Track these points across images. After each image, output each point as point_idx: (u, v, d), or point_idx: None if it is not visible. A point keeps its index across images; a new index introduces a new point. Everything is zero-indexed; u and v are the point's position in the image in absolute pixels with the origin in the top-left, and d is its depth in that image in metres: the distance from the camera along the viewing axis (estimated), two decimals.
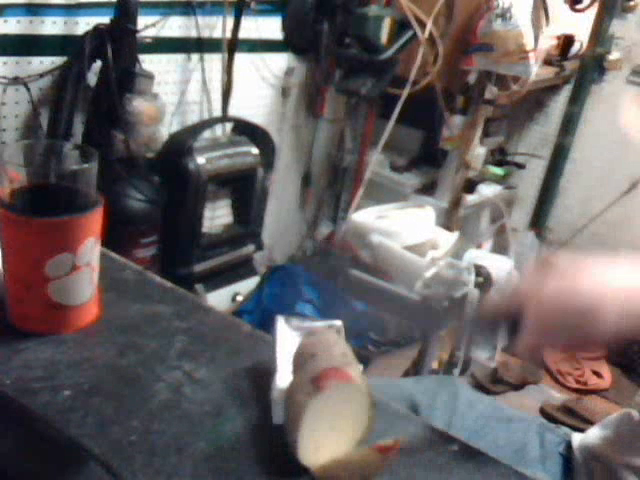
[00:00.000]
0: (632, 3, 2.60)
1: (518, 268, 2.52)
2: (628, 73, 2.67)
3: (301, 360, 0.60)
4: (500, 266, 2.29)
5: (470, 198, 2.41)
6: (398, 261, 2.03)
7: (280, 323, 0.68)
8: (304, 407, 0.54)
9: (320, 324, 0.69)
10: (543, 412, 2.21)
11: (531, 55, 2.08)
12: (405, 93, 2.04)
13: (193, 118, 2.09)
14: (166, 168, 1.85)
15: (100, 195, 0.66)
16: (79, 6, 1.63)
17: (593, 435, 0.87)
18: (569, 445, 0.89)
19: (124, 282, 0.80)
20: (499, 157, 2.69)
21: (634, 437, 0.80)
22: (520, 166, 2.79)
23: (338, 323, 0.70)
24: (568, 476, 0.87)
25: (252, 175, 2.09)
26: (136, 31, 1.61)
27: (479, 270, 2.11)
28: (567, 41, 2.52)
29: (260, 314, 1.99)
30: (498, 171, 2.61)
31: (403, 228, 2.08)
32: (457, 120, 2.28)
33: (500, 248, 2.67)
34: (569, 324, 0.62)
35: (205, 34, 1.98)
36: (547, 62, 2.40)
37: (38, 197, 0.64)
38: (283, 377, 0.62)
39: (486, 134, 2.38)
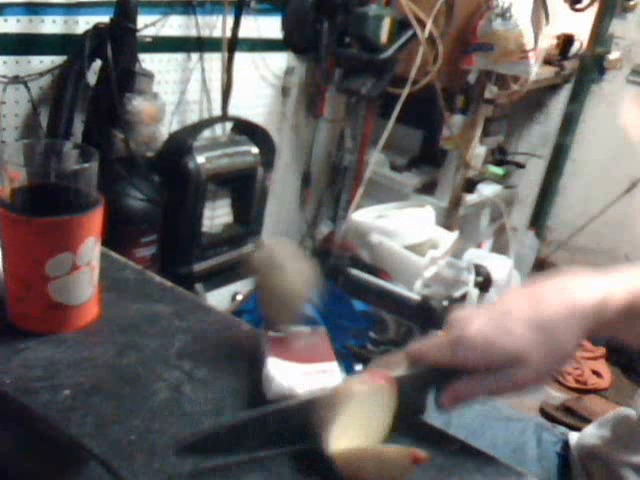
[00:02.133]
0: (632, 3, 2.60)
1: (518, 268, 2.52)
2: (628, 73, 2.68)
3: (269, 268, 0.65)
4: (500, 266, 2.30)
5: (470, 198, 2.41)
6: (398, 261, 2.03)
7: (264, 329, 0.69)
8: (352, 393, 0.56)
9: (305, 329, 0.70)
10: (543, 411, 2.21)
11: (531, 55, 2.08)
12: (405, 93, 2.04)
13: (193, 117, 2.09)
14: (166, 167, 1.85)
15: (100, 194, 0.66)
16: (79, 5, 1.63)
17: (590, 434, 0.87)
18: (566, 444, 0.90)
19: (124, 282, 0.80)
20: (499, 157, 2.69)
21: (632, 435, 0.80)
22: (520, 166, 2.79)
23: (322, 329, 0.71)
24: (565, 475, 0.87)
25: (252, 175, 2.09)
26: (136, 30, 1.60)
27: (479, 270, 2.11)
28: (567, 41, 2.52)
29: (260, 314, 1.99)
30: (498, 171, 2.62)
31: (403, 228, 2.08)
32: (457, 120, 2.28)
33: (500, 248, 2.68)
34: (494, 367, 0.59)
35: (205, 33, 1.98)
36: (547, 62, 2.40)
37: (38, 197, 0.64)
38: (275, 362, 0.64)
39: (486, 134, 2.38)
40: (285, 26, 1.89)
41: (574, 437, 0.90)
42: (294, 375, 0.63)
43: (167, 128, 1.93)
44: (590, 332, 0.61)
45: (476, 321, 0.60)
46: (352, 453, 0.55)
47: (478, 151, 2.40)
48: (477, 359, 0.59)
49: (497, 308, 0.62)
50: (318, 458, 0.55)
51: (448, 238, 2.13)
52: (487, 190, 2.51)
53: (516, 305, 0.62)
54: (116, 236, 0.84)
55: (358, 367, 1.93)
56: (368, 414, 0.57)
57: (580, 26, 2.60)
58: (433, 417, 0.83)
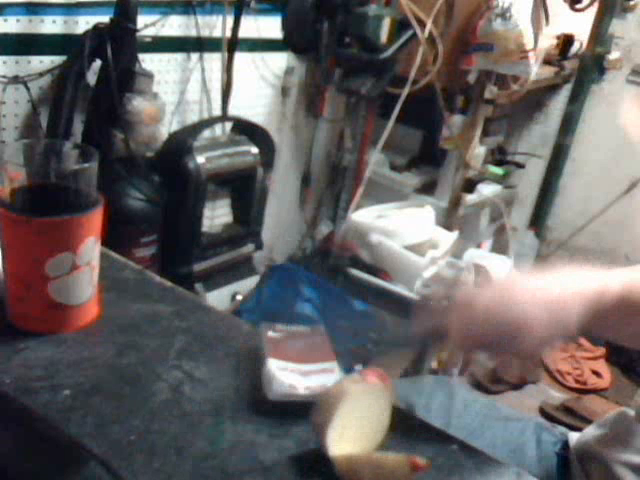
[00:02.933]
0: (632, 3, 2.60)
1: (518, 268, 2.52)
2: (628, 73, 2.67)
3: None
4: (500, 266, 2.30)
5: (470, 198, 2.40)
6: (398, 260, 2.03)
7: (264, 329, 0.69)
8: (346, 393, 0.56)
9: (304, 328, 0.70)
10: (542, 411, 2.21)
11: (531, 55, 2.08)
12: (405, 92, 2.04)
13: (193, 117, 2.09)
14: (166, 167, 1.85)
15: (100, 194, 0.66)
16: (79, 5, 1.63)
17: (589, 434, 0.87)
18: (565, 445, 0.90)
19: (124, 282, 0.80)
20: (499, 157, 2.69)
21: (630, 435, 0.80)
22: (520, 166, 2.79)
23: (322, 329, 0.71)
24: (564, 476, 0.87)
25: (252, 175, 2.09)
26: (136, 30, 1.60)
27: (479, 269, 2.11)
28: (567, 41, 2.52)
29: (260, 313, 1.99)
30: (498, 171, 2.61)
31: (403, 228, 2.08)
32: (457, 120, 2.28)
33: (500, 248, 2.67)
34: (498, 335, 0.64)
35: (205, 33, 1.98)
36: (547, 62, 2.40)
37: (38, 197, 0.64)
38: (273, 362, 0.64)
39: (486, 134, 2.38)
40: (285, 26, 1.89)
41: (573, 437, 0.90)
42: (294, 375, 0.63)
43: (167, 128, 1.93)
44: (590, 319, 0.64)
45: (483, 297, 0.65)
46: (352, 459, 0.55)
47: (478, 151, 2.40)
48: (485, 333, 0.64)
49: (503, 286, 0.68)
50: (319, 460, 0.55)
51: (448, 238, 2.13)
52: (487, 190, 2.51)
53: (520, 284, 0.66)
54: (116, 236, 0.84)
55: (358, 367, 1.93)
56: (364, 413, 0.57)
57: (580, 26, 2.59)
58: (433, 417, 0.83)
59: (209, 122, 2.10)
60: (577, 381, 2.40)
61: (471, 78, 2.20)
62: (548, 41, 2.27)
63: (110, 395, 0.61)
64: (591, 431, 0.88)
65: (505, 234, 2.62)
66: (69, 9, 1.61)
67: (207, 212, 2.03)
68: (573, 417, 2.12)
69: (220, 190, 2.11)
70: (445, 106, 2.21)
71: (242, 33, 1.99)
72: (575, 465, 0.86)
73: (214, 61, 2.05)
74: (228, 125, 2.15)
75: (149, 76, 1.68)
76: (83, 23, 1.63)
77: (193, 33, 1.95)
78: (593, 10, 2.55)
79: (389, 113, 2.10)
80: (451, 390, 0.96)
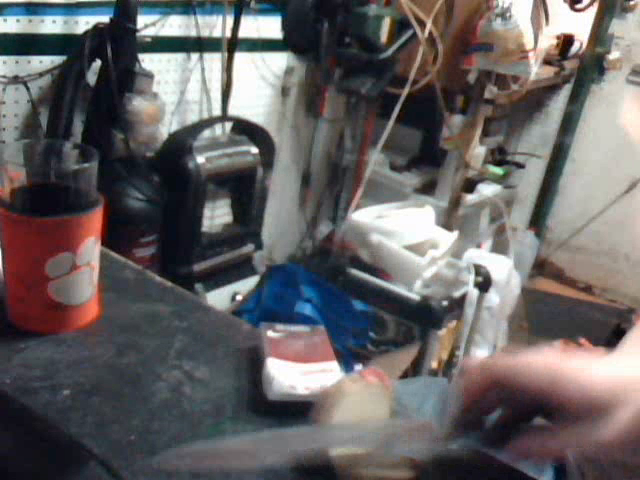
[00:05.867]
0: (632, 3, 2.60)
1: (518, 268, 2.52)
2: (628, 73, 2.68)
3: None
4: (499, 266, 2.30)
5: (470, 197, 2.41)
6: (398, 260, 2.03)
7: (264, 329, 0.69)
8: (346, 393, 0.56)
9: (304, 328, 0.70)
10: None
11: (531, 55, 2.08)
12: (405, 92, 2.04)
13: (193, 117, 2.09)
14: (166, 167, 1.85)
15: (100, 194, 0.66)
16: (79, 5, 1.63)
17: None
18: None
19: (124, 281, 0.80)
20: (499, 157, 2.69)
21: None
22: (520, 166, 2.79)
23: (322, 329, 0.70)
24: (561, 477, 0.87)
25: (252, 174, 2.09)
26: (136, 30, 1.61)
27: (478, 270, 2.11)
28: (567, 41, 2.52)
29: (260, 313, 1.99)
30: (498, 171, 2.62)
31: (403, 228, 2.08)
32: (457, 120, 2.28)
33: (500, 248, 2.68)
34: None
35: (205, 33, 1.98)
36: (547, 62, 2.41)
37: (38, 197, 0.64)
38: (274, 362, 0.64)
39: (486, 134, 2.38)
40: (285, 26, 1.89)
41: None
42: (294, 375, 0.63)
43: (167, 128, 1.93)
44: None
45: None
46: (352, 459, 0.55)
47: (478, 151, 2.40)
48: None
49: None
50: (319, 460, 0.55)
51: (448, 238, 2.13)
52: (487, 190, 2.51)
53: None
54: (116, 236, 0.84)
55: (358, 367, 1.94)
56: (363, 413, 0.57)
57: (580, 26, 2.60)
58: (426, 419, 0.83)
59: (209, 122, 2.11)
60: None
61: (471, 78, 2.20)
62: (548, 41, 2.28)
63: (110, 395, 0.60)
64: None
65: (505, 234, 2.62)
66: (69, 9, 1.61)
67: (207, 212, 2.03)
68: None
69: (220, 190, 2.11)
70: (445, 106, 2.21)
71: (242, 33, 1.99)
72: (571, 466, 0.86)
73: (214, 61, 2.05)
74: (228, 125, 2.15)
75: (149, 76, 1.68)
76: (83, 23, 1.63)
77: (193, 33, 1.95)
78: (593, 10, 2.56)
79: (389, 113, 2.10)
80: (445, 391, 0.96)
